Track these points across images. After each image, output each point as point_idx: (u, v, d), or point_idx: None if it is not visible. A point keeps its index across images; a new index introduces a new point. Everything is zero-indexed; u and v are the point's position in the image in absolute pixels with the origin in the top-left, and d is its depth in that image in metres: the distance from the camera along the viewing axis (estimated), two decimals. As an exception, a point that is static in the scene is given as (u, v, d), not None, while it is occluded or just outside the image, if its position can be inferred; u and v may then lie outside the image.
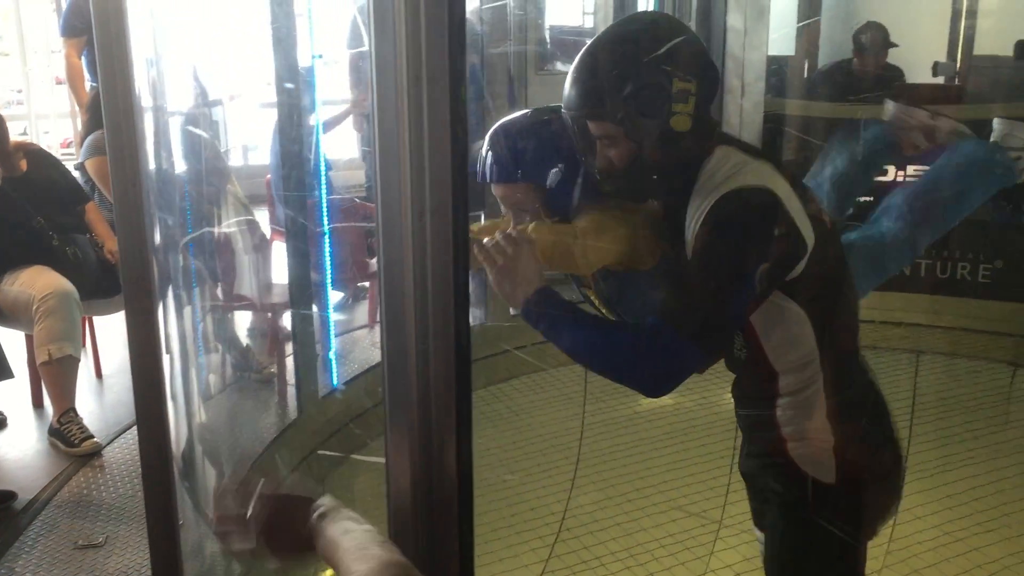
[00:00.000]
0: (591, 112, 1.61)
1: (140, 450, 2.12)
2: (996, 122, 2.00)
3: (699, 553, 3.07)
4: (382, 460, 1.23)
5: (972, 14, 5.56)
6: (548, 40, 5.79)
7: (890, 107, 2.01)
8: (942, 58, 5.70)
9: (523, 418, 4.09)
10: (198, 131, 2.81)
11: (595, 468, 3.59)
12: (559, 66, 5.82)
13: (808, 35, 5.80)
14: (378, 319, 1.17)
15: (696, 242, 1.57)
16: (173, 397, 2.34)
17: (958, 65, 5.63)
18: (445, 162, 1.09)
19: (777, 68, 5.27)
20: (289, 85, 3.28)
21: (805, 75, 5.81)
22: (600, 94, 1.59)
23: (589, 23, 5.95)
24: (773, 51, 5.12)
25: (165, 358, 2.69)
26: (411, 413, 1.15)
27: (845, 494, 1.71)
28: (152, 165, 2.21)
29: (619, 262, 1.72)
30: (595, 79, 1.60)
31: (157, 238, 2.19)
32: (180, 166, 2.80)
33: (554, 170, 1.69)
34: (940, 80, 5.63)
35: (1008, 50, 5.13)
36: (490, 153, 1.73)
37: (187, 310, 2.84)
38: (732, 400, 1.89)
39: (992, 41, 5.50)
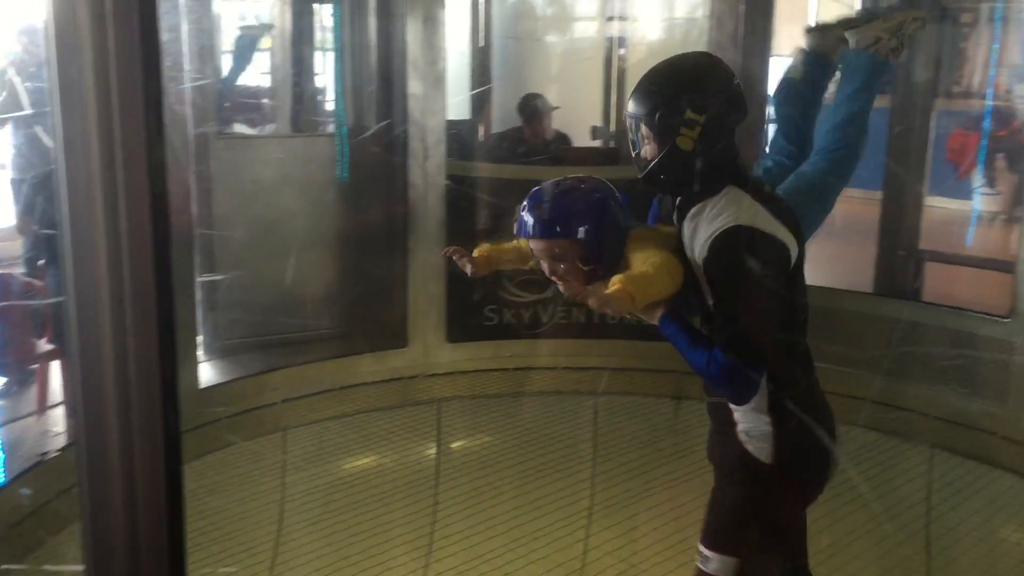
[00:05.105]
0: (640, 117, 2.10)
1: None
2: (848, 34, 2.52)
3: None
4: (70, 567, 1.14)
5: (621, 83, 6.15)
6: (227, 103, 5.63)
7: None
8: (599, 122, 6.24)
9: (220, 496, 3.89)
10: None
11: (300, 539, 3.50)
12: (242, 129, 5.67)
13: (482, 102, 6.15)
14: (49, 404, 1.09)
15: (707, 271, 2.03)
16: None
17: (612, 128, 6.19)
18: (147, 243, 1.05)
19: (456, 132, 5.51)
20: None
21: (481, 139, 6.14)
22: (645, 105, 2.09)
23: (267, 82, 5.86)
24: (452, 116, 5.35)
25: None
26: (113, 502, 1.08)
27: (779, 474, 2.10)
28: None
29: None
30: (647, 93, 2.10)
31: None
32: None
33: (586, 227, 2.09)
34: (598, 143, 6.17)
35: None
36: (533, 211, 2.12)
37: None
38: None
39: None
